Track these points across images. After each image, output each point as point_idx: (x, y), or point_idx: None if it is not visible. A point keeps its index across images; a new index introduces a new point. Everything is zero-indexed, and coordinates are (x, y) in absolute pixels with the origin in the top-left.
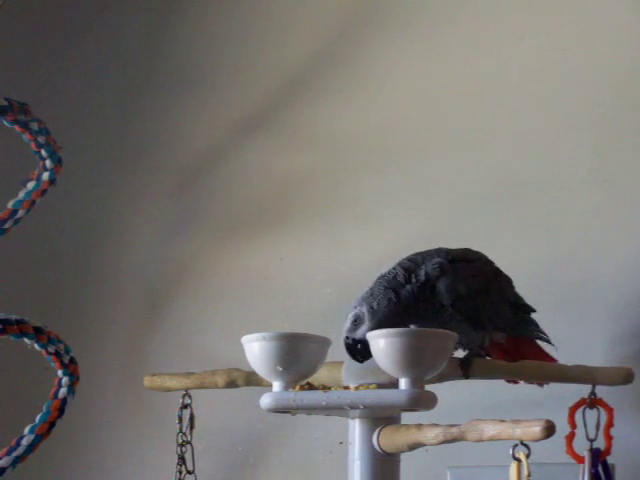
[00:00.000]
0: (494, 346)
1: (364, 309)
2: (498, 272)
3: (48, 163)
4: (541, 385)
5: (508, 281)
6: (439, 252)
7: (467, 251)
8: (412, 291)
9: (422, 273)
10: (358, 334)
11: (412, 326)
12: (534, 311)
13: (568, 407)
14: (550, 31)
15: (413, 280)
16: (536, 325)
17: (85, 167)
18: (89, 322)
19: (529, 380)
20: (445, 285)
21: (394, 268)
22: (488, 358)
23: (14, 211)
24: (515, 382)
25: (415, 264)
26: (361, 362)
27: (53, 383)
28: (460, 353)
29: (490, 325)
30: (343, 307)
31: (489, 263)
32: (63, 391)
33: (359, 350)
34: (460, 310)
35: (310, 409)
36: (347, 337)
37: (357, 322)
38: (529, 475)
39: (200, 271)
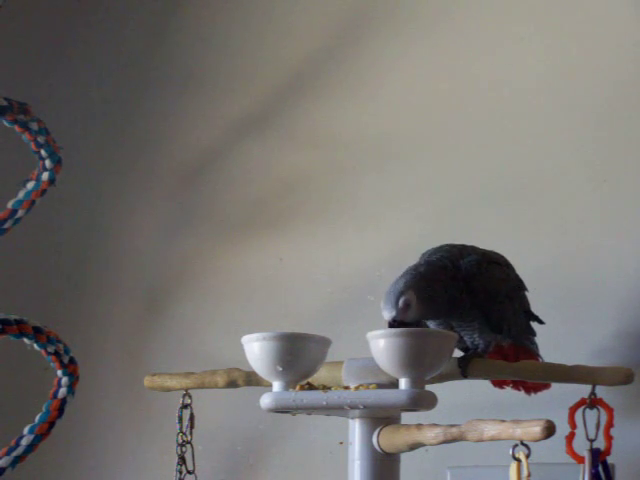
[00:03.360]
0: (496, 350)
1: (413, 295)
2: (521, 280)
3: (48, 163)
4: (528, 393)
5: (526, 290)
6: (473, 249)
7: (497, 254)
8: (456, 284)
9: (463, 267)
10: (408, 318)
11: (431, 323)
12: (543, 323)
13: (568, 407)
14: (550, 31)
15: (456, 274)
16: (534, 335)
17: (85, 167)
18: (89, 322)
19: (520, 379)
20: (481, 284)
21: (441, 257)
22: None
23: (14, 211)
24: (502, 387)
25: (455, 257)
26: None
27: (53, 383)
28: (458, 353)
29: (506, 331)
30: (343, 307)
31: (514, 270)
32: (63, 391)
33: None
34: (487, 311)
35: (310, 409)
36: (395, 321)
37: (409, 307)
38: (529, 475)
39: (200, 271)
